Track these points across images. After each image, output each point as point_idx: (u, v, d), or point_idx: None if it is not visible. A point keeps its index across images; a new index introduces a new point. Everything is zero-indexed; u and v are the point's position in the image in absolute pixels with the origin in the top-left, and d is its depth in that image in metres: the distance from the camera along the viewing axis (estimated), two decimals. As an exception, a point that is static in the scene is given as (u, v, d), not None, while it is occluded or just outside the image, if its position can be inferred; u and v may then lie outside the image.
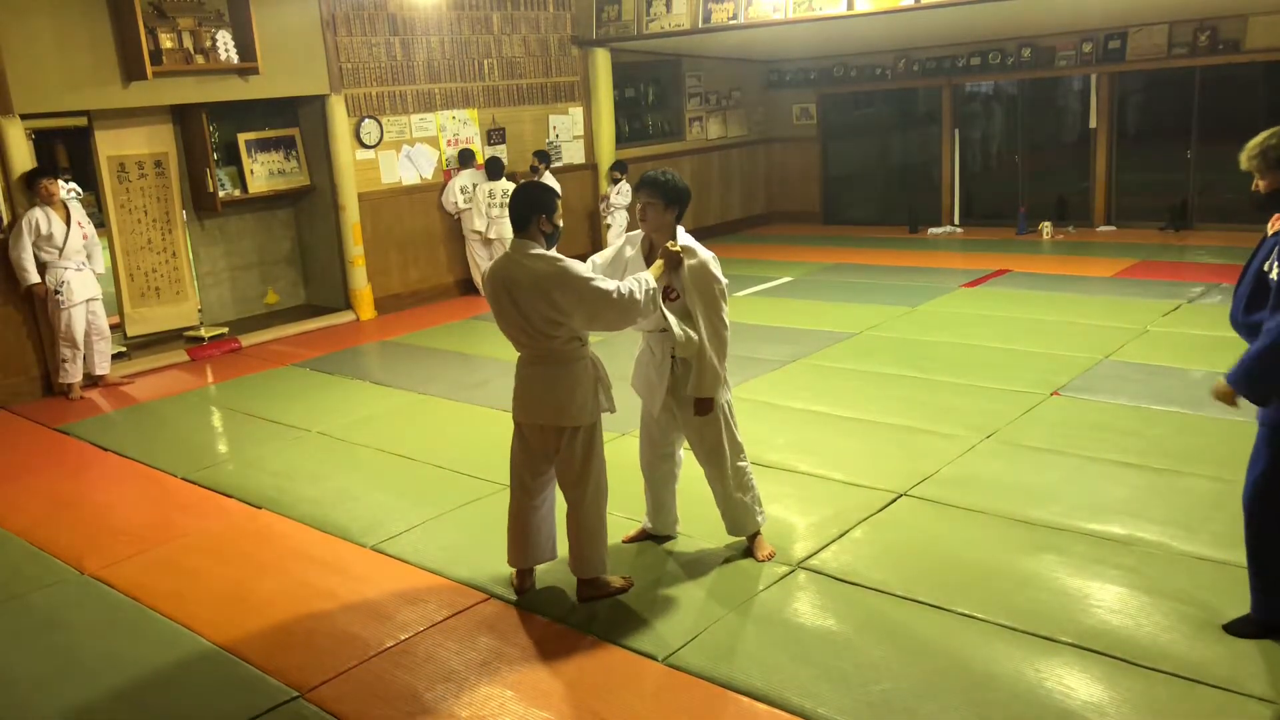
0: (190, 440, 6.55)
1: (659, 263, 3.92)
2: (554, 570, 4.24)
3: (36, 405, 7.54)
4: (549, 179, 10.54)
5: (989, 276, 9.83)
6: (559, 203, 3.87)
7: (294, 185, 9.68)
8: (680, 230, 4.07)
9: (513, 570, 4.18)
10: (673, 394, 4.11)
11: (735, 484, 4.22)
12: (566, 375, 3.80)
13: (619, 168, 11.46)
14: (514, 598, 4.09)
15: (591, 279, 3.68)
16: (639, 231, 4.17)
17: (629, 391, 4.35)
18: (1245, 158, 3.29)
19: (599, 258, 4.22)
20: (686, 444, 4.32)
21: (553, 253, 3.76)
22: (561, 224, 3.84)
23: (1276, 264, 3.17)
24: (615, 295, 3.68)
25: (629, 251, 4.16)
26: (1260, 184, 3.29)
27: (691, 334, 3.97)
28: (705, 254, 3.99)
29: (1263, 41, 10.57)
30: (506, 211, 10.02)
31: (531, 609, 4.01)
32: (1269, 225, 3.30)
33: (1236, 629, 3.50)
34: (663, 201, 3.99)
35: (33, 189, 7.42)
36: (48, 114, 8.05)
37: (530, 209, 3.76)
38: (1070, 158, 12.55)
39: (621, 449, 5.46)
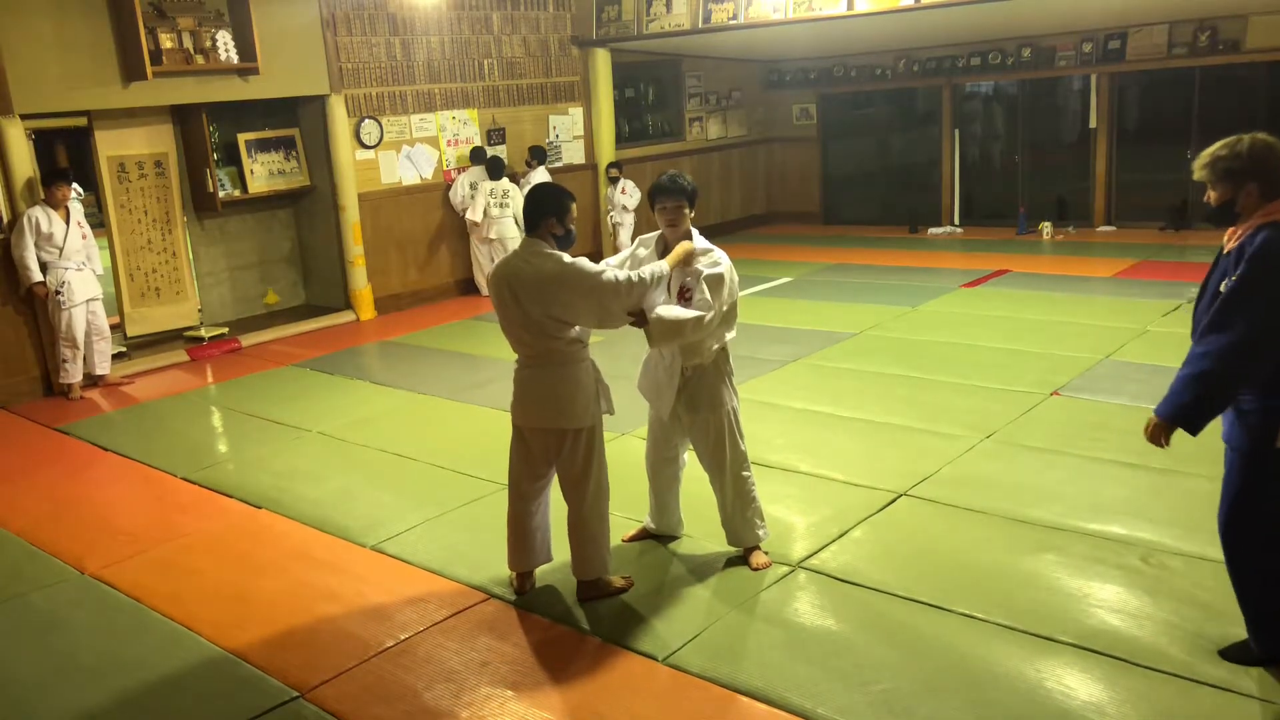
0: (190, 440, 6.55)
1: (674, 254, 3.93)
2: (554, 570, 4.24)
3: (36, 405, 7.54)
4: (541, 174, 10.53)
5: (989, 276, 9.83)
6: (572, 206, 3.82)
7: (294, 185, 9.68)
8: (695, 232, 4.08)
9: (513, 572, 4.18)
10: (681, 398, 4.09)
11: (735, 493, 4.19)
12: (568, 377, 3.79)
13: (616, 166, 11.43)
14: (514, 598, 4.09)
15: (600, 272, 3.70)
16: (653, 234, 4.17)
17: (632, 392, 4.35)
18: (1197, 167, 3.20)
19: (612, 260, 4.21)
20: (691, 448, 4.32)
21: (560, 253, 3.74)
22: (574, 228, 3.84)
23: (1227, 280, 3.09)
24: (625, 284, 3.69)
25: (642, 253, 4.15)
26: (1211, 195, 3.20)
27: (707, 341, 3.98)
28: (720, 255, 3.99)
29: (1263, 41, 10.57)
30: (505, 211, 10.10)
31: (531, 609, 4.01)
32: (1224, 239, 3.22)
33: (1234, 656, 3.34)
34: (688, 204, 4.02)
35: (46, 190, 7.43)
36: (48, 114, 8.05)
37: (539, 211, 3.76)
38: (1070, 158, 12.55)
39: (622, 449, 5.46)
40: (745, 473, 4.21)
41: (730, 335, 4.09)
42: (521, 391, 3.90)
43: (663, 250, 4.11)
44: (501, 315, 3.83)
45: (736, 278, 4.04)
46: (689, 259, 3.94)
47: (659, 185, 4.03)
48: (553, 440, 3.88)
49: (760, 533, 4.26)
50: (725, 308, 3.96)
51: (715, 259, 3.97)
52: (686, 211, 4.02)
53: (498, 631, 3.86)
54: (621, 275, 3.71)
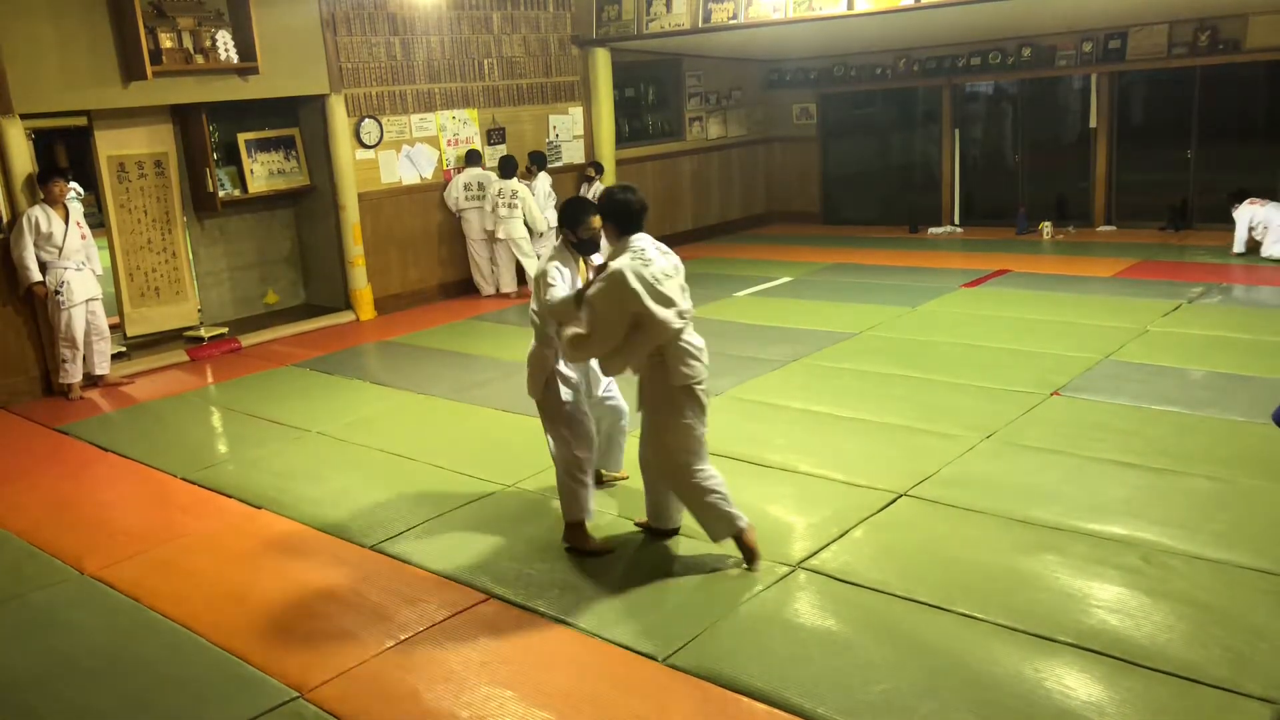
0: (190, 440, 6.55)
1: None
2: (554, 569, 4.25)
3: (36, 405, 7.54)
4: (543, 180, 10.53)
5: (989, 276, 9.83)
6: (587, 218, 4.26)
7: (294, 185, 9.68)
8: (603, 246, 4.27)
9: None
10: (640, 396, 4.27)
11: (688, 494, 4.19)
12: (535, 353, 4.37)
13: (593, 166, 11.38)
14: (514, 598, 4.09)
15: (550, 287, 4.14)
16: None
17: (629, 392, 4.36)
18: None
19: None
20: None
21: (562, 252, 4.29)
22: (589, 236, 4.27)
23: None
24: (547, 304, 4.14)
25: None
26: None
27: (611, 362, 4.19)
28: (612, 267, 3.99)
29: (1263, 41, 10.56)
30: (515, 211, 10.09)
31: (531, 608, 4.01)
32: None
33: None
34: (604, 220, 4.18)
35: (44, 187, 7.43)
36: (48, 114, 8.05)
37: (560, 220, 4.39)
38: (1070, 158, 12.53)
39: (621, 449, 5.46)
40: (694, 480, 4.14)
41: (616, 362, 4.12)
42: None
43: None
44: None
45: (634, 284, 3.87)
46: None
47: None
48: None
49: (740, 523, 4.17)
50: (569, 326, 4.04)
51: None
52: (612, 230, 4.15)
53: (498, 631, 3.86)
54: (549, 296, 4.14)
